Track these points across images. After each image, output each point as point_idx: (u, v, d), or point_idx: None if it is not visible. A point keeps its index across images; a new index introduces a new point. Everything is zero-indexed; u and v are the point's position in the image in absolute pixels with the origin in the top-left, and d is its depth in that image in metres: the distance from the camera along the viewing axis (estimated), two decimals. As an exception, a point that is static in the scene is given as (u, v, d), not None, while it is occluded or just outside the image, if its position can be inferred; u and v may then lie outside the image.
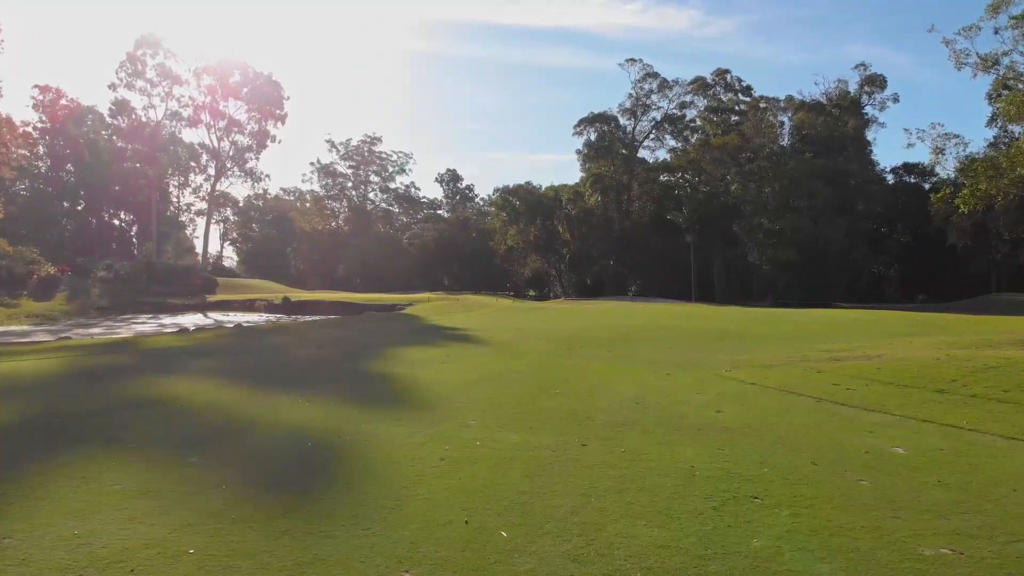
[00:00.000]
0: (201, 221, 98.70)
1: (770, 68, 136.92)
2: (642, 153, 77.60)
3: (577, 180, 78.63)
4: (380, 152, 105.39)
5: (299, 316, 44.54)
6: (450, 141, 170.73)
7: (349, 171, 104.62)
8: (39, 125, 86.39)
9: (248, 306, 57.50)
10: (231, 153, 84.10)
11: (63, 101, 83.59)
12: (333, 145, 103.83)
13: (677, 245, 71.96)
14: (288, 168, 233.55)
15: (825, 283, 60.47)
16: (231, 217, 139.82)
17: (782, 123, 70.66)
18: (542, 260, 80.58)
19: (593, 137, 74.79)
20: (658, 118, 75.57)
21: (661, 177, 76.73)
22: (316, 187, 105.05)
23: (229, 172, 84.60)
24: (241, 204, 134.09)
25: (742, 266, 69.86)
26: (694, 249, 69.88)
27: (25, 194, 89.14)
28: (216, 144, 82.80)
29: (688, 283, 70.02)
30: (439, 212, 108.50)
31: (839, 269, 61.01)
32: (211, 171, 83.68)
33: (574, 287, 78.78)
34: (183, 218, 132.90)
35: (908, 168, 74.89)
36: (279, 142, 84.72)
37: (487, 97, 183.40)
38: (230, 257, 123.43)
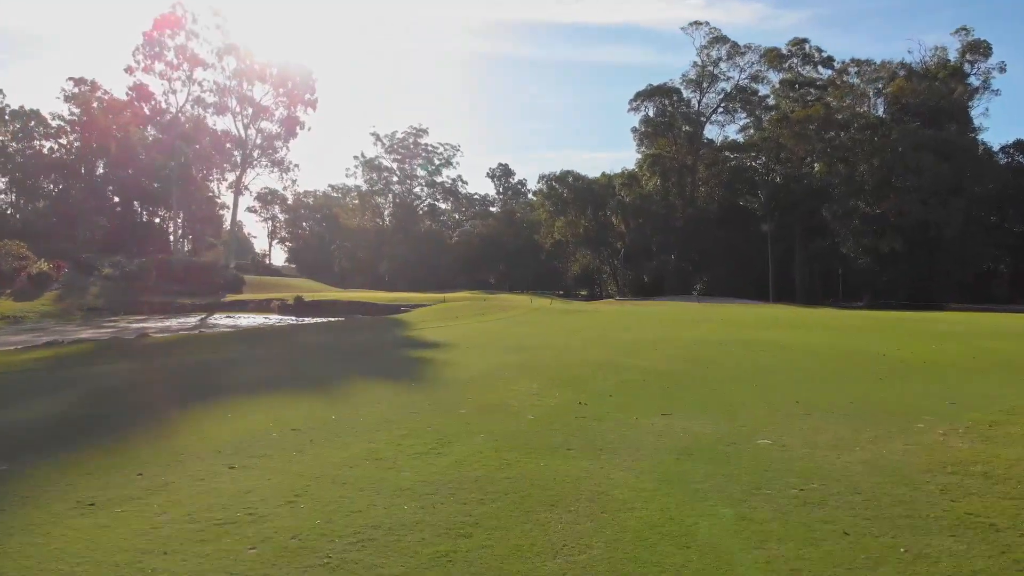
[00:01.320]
0: (250, 218, 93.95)
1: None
2: (709, 131, 68.58)
3: (633, 164, 70.18)
4: (426, 144, 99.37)
5: (304, 318, 40.78)
6: (506, 142, 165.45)
7: (394, 165, 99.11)
8: (69, 117, 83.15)
9: (264, 306, 52.24)
10: (258, 142, 78.54)
11: (98, 94, 79.76)
12: (378, 138, 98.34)
13: (750, 236, 62.79)
14: (340, 167, 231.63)
15: (934, 279, 50.49)
16: (279, 215, 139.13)
17: (876, 90, 60.59)
18: (593, 255, 72.40)
19: (652, 112, 66.15)
20: (727, 89, 66.32)
21: (730, 158, 67.39)
22: (360, 182, 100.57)
23: (256, 162, 78.98)
24: (290, 202, 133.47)
25: (828, 259, 60.21)
26: (771, 240, 60.59)
27: (53, 189, 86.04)
28: (243, 133, 77.37)
29: (762, 280, 60.85)
30: (491, 209, 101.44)
31: (953, 262, 50.79)
32: (237, 161, 78.19)
33: (629, 285, 70.27)
34: (223, 213, 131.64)
35: (1021, 147, 63.29)
36: (308, 129, 78.82)
37: (545, 97, 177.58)
38: (271, 255, 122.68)
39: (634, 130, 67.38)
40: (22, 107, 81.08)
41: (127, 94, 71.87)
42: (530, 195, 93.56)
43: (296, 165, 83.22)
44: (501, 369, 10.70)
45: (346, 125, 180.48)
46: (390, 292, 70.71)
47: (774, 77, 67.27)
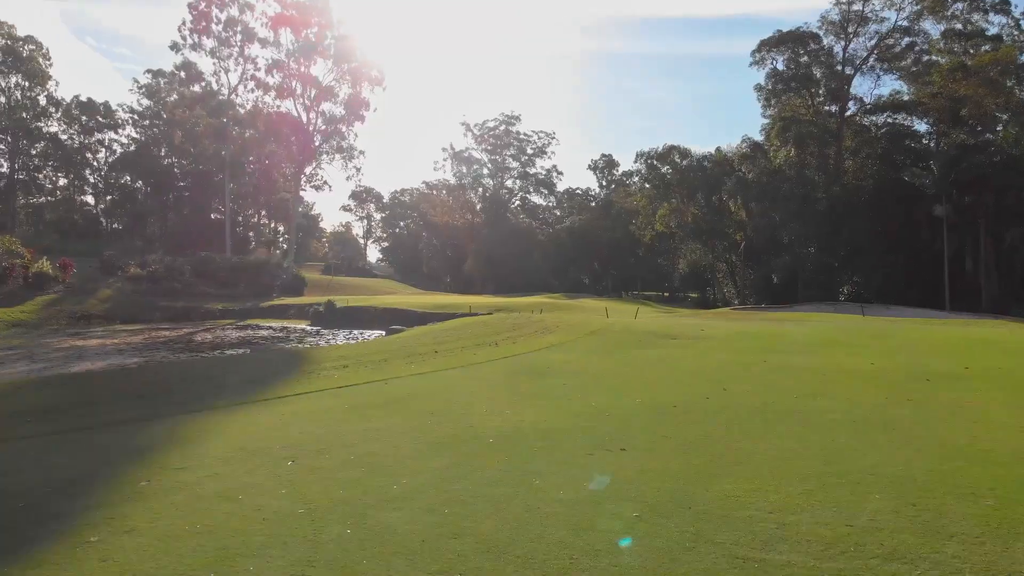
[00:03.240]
0: (343, 217, 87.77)
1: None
2: (858, 87, 54.25)
3: (758, 133, 56.99)
4: (518, 132, 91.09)
5: (329, 330, 36.22)
6: (610, 139, 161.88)
7: (484, 156, 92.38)
8: (136, 108, 79.28)
9: (303, 313, 44.97)
10: (320, 125, 71.01)
11: (177, 86, 75.12)
12: (468, 128, 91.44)
13: (916, 222, 48.42)
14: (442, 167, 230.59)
15: None
16: (375, 214, 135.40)
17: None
18: (704, 250, 59.63)
19: (781, 65, 52.73)
20: (881, 31, 51.93)
21: (887, 121, 52.98)
22: (449, 176, 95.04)
23: (320, 150, 71.41)
24: (386, 199, 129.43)
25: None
26: (947, 227, 46.20)
27: (121, 182, 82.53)
28: (304, 116, 70.05)
29: (933, 280, 46.60)
30: (591, 205, 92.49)
31: None
32: (296, 148, 71.04)
33: (752, 287, 57.20)
34: (315, 211, 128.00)
35: None
36: (375, 110, 70.59)
37: (652, 91, 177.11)
38: (367, 255, 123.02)
39: (758, 88, 54.31)
40: (89, 99, 77.69)
41: (173, 74, 66.14)
42: (634, 179, 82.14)
43: (361, 152, 75.16)
44: None
45: (447, 123, 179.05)
46: (461, 296, 61.27)
47: (932, 29, 52.45)
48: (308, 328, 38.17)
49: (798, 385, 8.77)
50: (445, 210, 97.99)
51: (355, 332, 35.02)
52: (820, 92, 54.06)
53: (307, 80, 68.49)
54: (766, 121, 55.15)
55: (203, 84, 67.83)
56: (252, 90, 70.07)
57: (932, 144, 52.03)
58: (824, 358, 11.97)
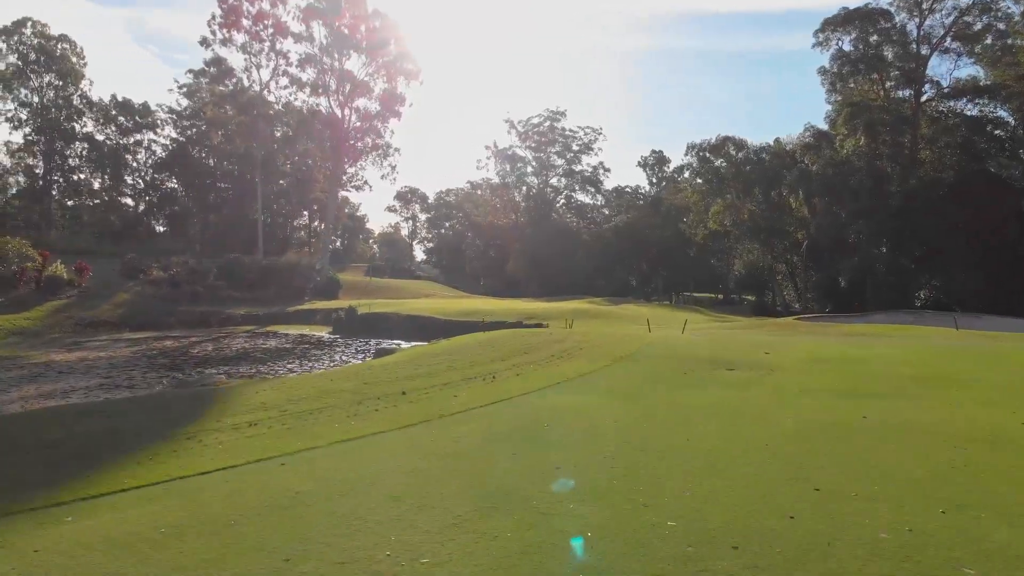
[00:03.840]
0: (389, 218, 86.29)
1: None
2: (935, 68, 49.21)
3: (822, 121, 52.38)
4: (563, 128, 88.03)
5: (341, 338, 35.00)
6: (662, 136, 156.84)
7: (528, 153, 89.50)
8: (175, 108, 78.43)
9: (328, 319, 42.21)
10: (354, 122, 68.81)
11: (208, 83, 74.07)
12: (512, 125, 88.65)
13: (1003, 220, 43.31)
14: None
15: None
16: (420, 215, 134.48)
17: None
18: (762, 250, 55.17)
19: (847, 46, 48.08)
20: (960, 6, 46.80)
21: (968, 107, 47.87)
22: (492, 175, 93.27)
23: (354, 148, 69.15)
24: (431, 200, 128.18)
25: None
26: (1042, 223, 41.19)
27: (160, 183, 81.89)
28: (339, 112, 67.96)
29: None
30: (641, 204, 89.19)
31: None
32: (330, 146, 68.96)
33: (815, 290, 52.68)
34: (361, 212, 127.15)
35: None
36: (410, 105, 68.10)
37: (707, 89, 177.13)
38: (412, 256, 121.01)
39: (822, 71, 49.77)
40: (125, 98, 77.07)
41: (203, 70, 64.75)
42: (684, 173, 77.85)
43: (396, 149, 72.74)
44: None
45: (493, 121, 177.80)
46: (496, 300, 58.40)
47: (1014, 8, 46.93)
48: (325, 337, 35.60)
49: (933, 474, 5.33)
50: (488, 210, 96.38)
51: (371, 342, 32.27)
52: (892, 75, 49.21)
53: (340, 75, 66.43)
54: (831, 108, 50.56)
55: (234, 81, 66.32)
56: (285, 87, 68.54)
57: (1022, 131, 46.72)
58: (945, 405, 8.40)
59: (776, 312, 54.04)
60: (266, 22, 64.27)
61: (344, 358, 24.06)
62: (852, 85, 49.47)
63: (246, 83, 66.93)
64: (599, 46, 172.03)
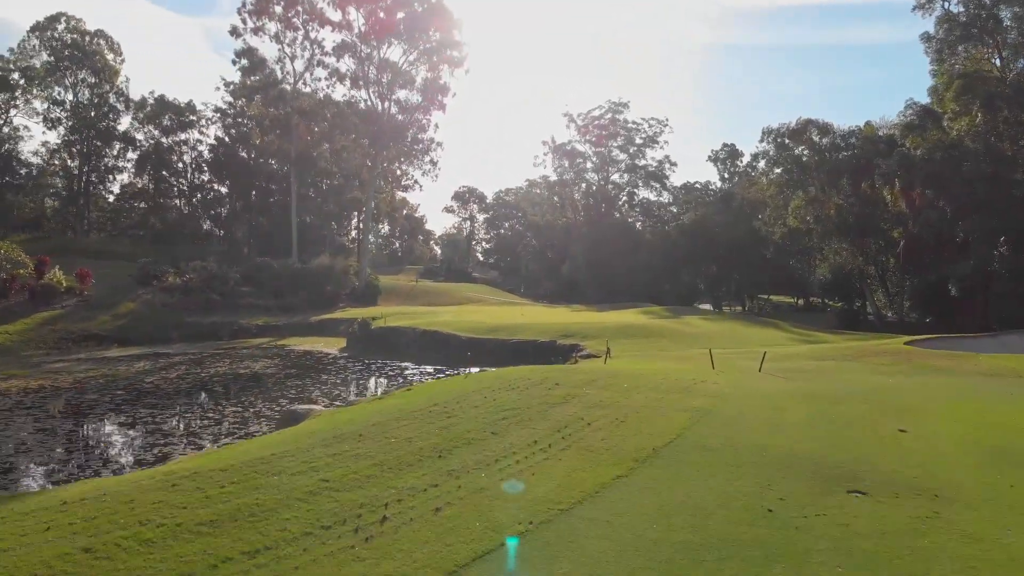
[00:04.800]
0: (446, 219, 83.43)
1: None
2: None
3: (926, 96, 45.08)
4: (626, 120, 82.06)
5: (352, 357, 30.88)
6: (739, 134, 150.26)
7: (588, 148, 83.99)
8: (221, 107, 75.90)
9: (348, 329, 37.60)
10: (395, 115, 64.66)
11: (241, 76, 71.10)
12: (571, 119, 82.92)
13: None
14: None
15: None
16: (478, 215, 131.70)
17: None
18: (852, 250, 48.06)
19: (956, 6, 40.83)
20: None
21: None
22: (550, 172, 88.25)
23: (391, 142, 64.96)
24: (489, 199, 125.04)
25: None
26: None
27: (206, 183, 79.66)
28: (379, 105, 63.97)
29: None
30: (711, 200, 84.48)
31: None
32: (365, 142, 64.95)
33: (914, 298, 45.51)
34: (419, 214, 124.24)
35: None
36: (454, 95, 63.67)
37: (780, 84, 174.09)
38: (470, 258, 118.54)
39: (926, 38, 42.54)
40: (163, 96, 74.91)
41: (233, 61, 61.57)
42: (760, 163, 70.65)
43: (439, 144, 68.11)
44: None
45: (553, 117, 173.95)
46: (541, 308, 53.49)
47: None
48: (331, 355, 31.15)
49: None
50: (546, 208, 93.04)
51: (380, 363, 27.59)
52: (1009, 40, 41.70)
53: (380, 64, 62.32)
54: (936, 82, 43.21)
55: (266, 73, 62.95)
56: (319, 79, 64.93)
57: None
58: None
59: (869, 323, 46.97)
60: (299, 8, 60.70)
61: (341, 398, 19.25)
62: (963, 53, 42.10)
63: (279, 75, 63.53)
64: (666, 41, 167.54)
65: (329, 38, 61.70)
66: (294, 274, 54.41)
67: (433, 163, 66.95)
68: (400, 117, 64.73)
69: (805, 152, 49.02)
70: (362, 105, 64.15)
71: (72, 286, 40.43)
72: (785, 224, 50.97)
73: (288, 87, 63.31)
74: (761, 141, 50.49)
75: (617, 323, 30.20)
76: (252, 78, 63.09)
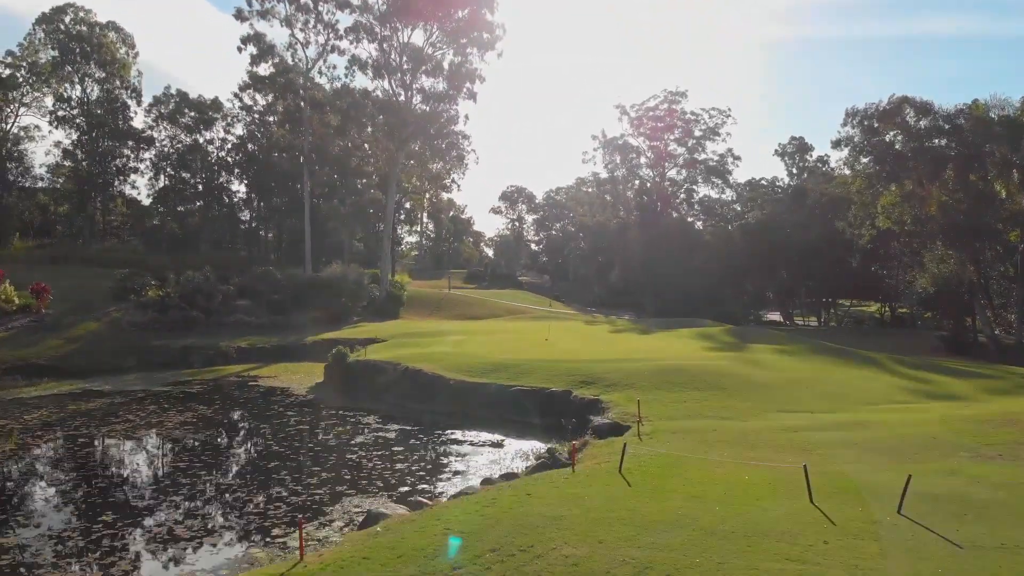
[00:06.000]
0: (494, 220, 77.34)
1: None
2: None
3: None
4: (683, 111, 74.80)
5: (322, 403, 24.56)
6: (814, 132, 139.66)
7: (641, 142, 77.35)
8: (247, 103, 70.77)
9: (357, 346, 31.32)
10: (420, 105, 58.22)
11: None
12: (624, 111, 75.97)
13: None
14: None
15: None
16: (526, 216, 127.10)
17: None
18: (959, 256, 39.41)
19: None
20: None
21: None
22: (600, 168, 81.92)
23: (415, 135, 58.49)
24: (539, 200, 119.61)
25: None
26: None
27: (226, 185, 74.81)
28: (403, 94, 57.71)
29: None
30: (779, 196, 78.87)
31: None
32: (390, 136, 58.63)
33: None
34: (465, 215, 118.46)
35: None
36: (483, 80, 57.03)
37: (852, 79, 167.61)
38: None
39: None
40: (182, 92, 70.05)
41: (239, 48, 55.87)
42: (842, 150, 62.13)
43: (467, 137, 61.42)
44: None
45: (607, 113, 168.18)
46: (579, 329, 46.56)
47: None
48: (304, 395, 24.87)
49: None
50: (595, 207, 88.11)
51: (341, 414, 21.08)
52: None
53: (401, 48, 56.03)
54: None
55: (275, 61, 57.34)
56: (334, 66, 59.19)
57: None
58: None
59: (981, 348, 38.30)
60: (308, -12, 54.85)
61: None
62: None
63: (290, 62, 57.87)
64: (728, 34, 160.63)
65: (344, 20, 55.39)
66: (299, 285, 48.51)
67: (460, 159, 60.40)
68: (424, 107, 58.29)
69: (899, 137, 40.60)
70: (379, 93, 58.07)
71: (27, 303, 35.27)
72: (874, 224, 42.54)
73: (299, 75, 57.64)
74: (844, 125, 42.05)
75: (660, 360, 22.91)
76: (261, 66, 57.56)
